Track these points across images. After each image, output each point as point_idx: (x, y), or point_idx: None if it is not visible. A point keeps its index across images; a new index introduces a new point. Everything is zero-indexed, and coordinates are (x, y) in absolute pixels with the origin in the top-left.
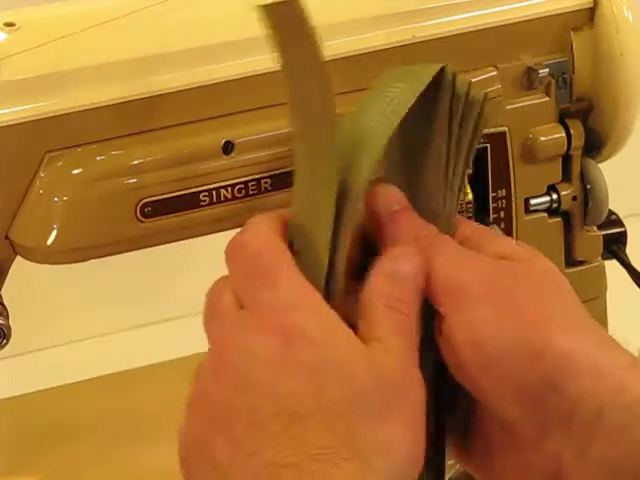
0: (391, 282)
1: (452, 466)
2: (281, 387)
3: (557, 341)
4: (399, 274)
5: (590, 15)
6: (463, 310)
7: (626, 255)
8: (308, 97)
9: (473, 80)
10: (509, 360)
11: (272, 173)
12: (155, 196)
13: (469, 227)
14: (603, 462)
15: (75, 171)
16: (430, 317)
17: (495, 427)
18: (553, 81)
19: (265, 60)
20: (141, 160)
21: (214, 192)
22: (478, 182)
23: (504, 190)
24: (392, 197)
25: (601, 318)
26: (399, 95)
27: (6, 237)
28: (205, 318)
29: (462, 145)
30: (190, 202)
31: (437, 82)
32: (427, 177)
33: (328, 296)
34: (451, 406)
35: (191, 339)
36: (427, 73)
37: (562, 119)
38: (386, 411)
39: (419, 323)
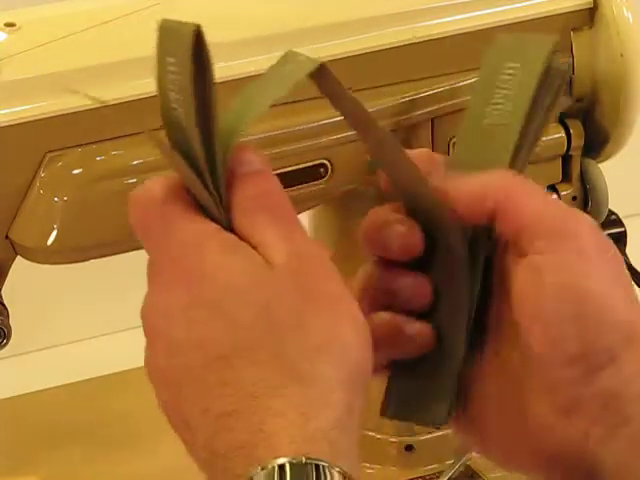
0: (243, 183)
1: (452, 466)
2: (198, 335)
3: (634, 314)
4: (247, 173)
5: (590, 15)
6: (565, 258)
7: (626, 255)
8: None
9: (473, 80)
10: (586, 319)
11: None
12: None
13: None
14: (635, 442)
15: (75, 171)
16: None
17: (512, 390)
18: None
19: (265, 60)
20: (141, 160)
21: None
22: None
23: None
24: None
25: None
26: (515, 86)
27: (6, 237)
28: None
29: (538, 117)
30: None
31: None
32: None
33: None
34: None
35: None
36: (541, 52)
37: (562, 119)
38: (303, 313)
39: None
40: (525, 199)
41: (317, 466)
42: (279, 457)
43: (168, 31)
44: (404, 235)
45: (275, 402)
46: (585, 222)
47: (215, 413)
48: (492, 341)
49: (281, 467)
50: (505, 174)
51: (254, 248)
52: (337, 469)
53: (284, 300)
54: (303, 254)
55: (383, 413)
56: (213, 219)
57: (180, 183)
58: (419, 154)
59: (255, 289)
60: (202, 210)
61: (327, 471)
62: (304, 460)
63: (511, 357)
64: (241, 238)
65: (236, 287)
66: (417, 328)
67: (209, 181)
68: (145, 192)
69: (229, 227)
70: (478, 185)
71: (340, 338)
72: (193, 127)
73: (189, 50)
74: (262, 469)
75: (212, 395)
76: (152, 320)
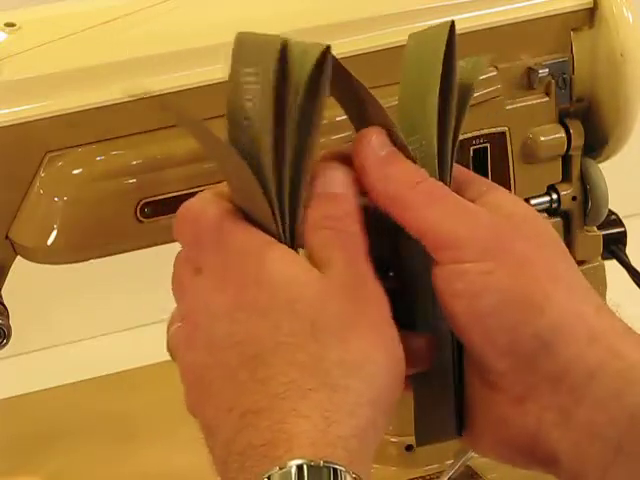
0: (325, 203)
1: (452, 466)
2: (240, 335)
3: (558, 300)
4: (330, 193)
5: (590, 15)
6: (461, 262)
7: (626, 255)
8: None
9: None
10: (506, 313)
11: None
12: (155, 196)
13: (467, 175)
14: (587, 426)
15: (75, 171)
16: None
17: (474, 380)
18: (553, 81)
19: None
20: (141, 160)
21: None
22: None
23: None
24: (378, 141)
25: None
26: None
27: (6, 237)
28: (173, 292)
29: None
30: None
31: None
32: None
33: (284, 232)
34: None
35: None
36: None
37: (562, 119)
38: (347, 330)
39: (365, 231)
40: (422, 212)
41: (335, 470)
42: (297, 458)
43: (250, 41)
44: None
45: (302, 404)
46: (476, 221)
47: (241, 410)
48: None
49: (299, 468)
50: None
51: (315, 263)
52: (353, 475)
53: (331, 313)
54: (359, 277)
55: (417, 443)
56: (265, 231)
57: (231, 201)
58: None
59: (305, 299)
60: (255, 225)
61: (344, 476)
62: (322, 463)
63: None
64: (306, 253)
65: (287, 295)
66: (417, 343)
67: (273, 193)
68: (198, 209)
69: (286, 240)
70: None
71: (376, 361)
72: (267, 135)
73: (274, 60)
74: (280, 469)
75: (241, 392)
76: (196, 318)
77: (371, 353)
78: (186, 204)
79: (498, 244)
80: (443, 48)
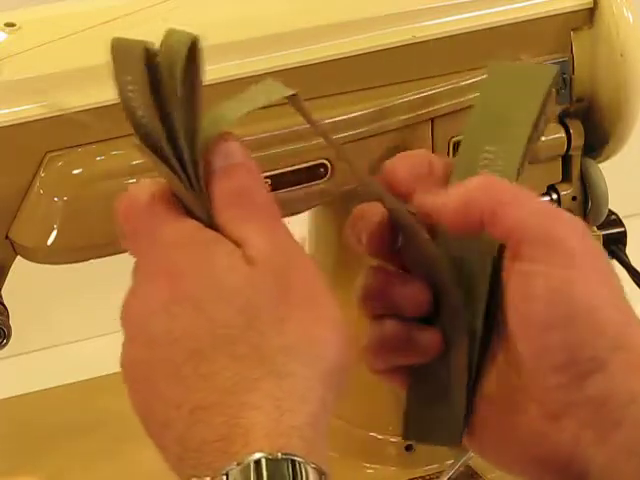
0: (227, 178)
1: (452, 466)
2: (177, 331)
3: (616, 324)
4: (230, 165)
5: (590, 15)
6: (548, 263)
7: (626, 255)
8: None
9: (473, 80)
10: (572, 329)
11: (272, 173)
12: None
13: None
14: (626, 444)
15: (75, 171)
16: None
17: (506, 392)
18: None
19: (264, 61)
20: (141, 160)
21: None
22: None
23: None
24: None
25: None
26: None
27: (6, 237)
28: None
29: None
30: None
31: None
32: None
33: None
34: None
35: None
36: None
37: (562, 119)
38: (281, 311)
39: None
40: (509, 209)
41: (293, 462)
42: (255, 452)
43: (120, 50)
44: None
45: (252, 396)
46: (570, 226)
47: (190, 407)
48: (493, 344)
49: (257, 462)
50: (489, 183)
51: (235, 244)
52: (312, 465)
53: (263, 298)
54: (283, 252)
55: (404, 436)
56: (196, 218)
57: (165, 186)
58: (416, 155)
59: (235, 286)
60: (186, 210)
61: (303, 467)
62: (280, 455)
63: (508, 362)
64: (222, 234)
65: (216, 284)
66: (425, 336)
67: (186, 182)
68: (131, 197)
69: (211, 223)
70: (461, 201)
71: (316, 337)
72: (161, 136)
73: (142, 69)
74: (238, 464)
75: (188, 389)
76: (133, 315)
77: (311, 331)
78: (124, 192)
79: (586, 255)
80: (544, 95)
